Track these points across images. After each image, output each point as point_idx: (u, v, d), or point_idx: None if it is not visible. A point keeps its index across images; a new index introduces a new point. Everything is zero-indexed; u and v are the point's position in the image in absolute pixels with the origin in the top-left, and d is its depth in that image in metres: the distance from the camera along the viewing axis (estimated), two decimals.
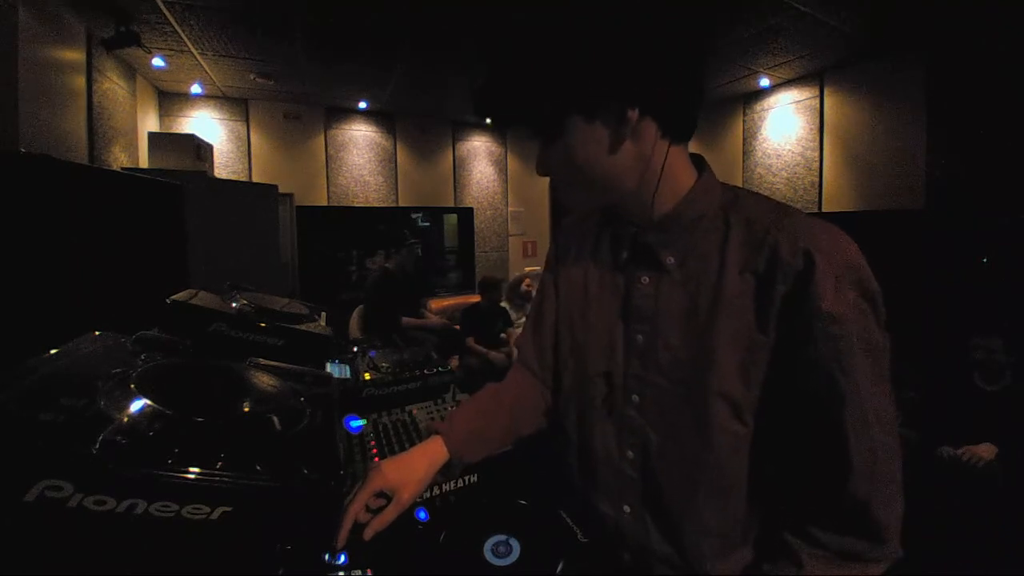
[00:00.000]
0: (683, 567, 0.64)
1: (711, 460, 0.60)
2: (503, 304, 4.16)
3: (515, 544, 0.71)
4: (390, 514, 0.66)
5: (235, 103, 4.58)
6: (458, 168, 5.75)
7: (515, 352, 3.43)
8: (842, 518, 0.55)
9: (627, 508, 0.68)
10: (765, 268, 0.56)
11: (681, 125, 0.60)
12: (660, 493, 0.64)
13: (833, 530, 0.55)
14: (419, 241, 4.35)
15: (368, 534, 0.64)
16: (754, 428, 0.59)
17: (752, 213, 0.60)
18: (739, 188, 0.65)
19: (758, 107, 4.48)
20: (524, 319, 4.12)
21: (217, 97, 4.48)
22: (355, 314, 3.93)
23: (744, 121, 4.63)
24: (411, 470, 0.69)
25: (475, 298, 4.09)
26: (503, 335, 3.89)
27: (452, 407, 1.13)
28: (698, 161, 0.66)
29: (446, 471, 0.73)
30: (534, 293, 4.46)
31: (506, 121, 0.64)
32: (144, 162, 3.63)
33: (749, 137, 4.59)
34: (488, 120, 0.82)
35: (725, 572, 0.63)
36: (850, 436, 0.53)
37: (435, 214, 5.70)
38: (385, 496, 0.67)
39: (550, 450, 0.87)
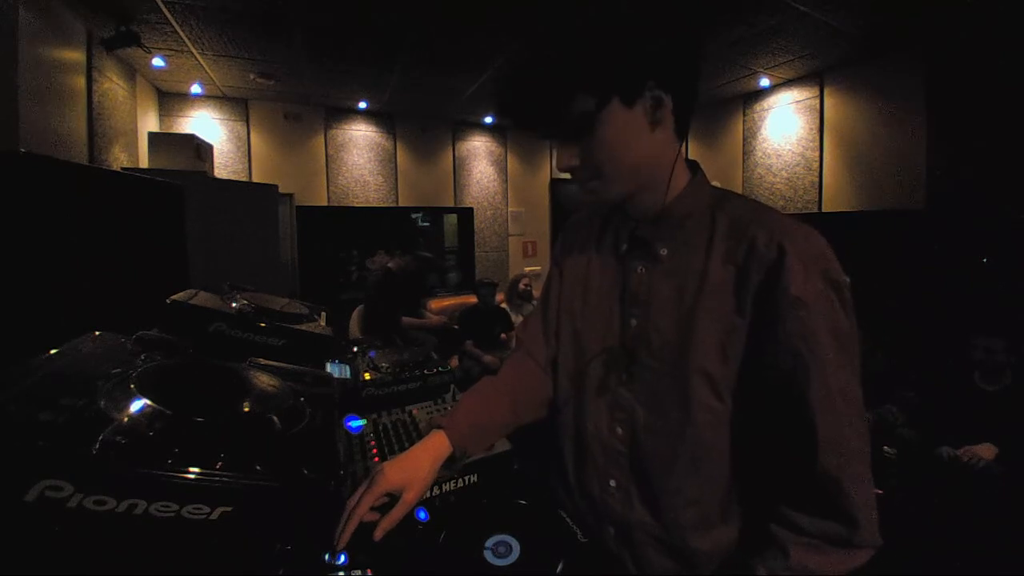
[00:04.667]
0: (663, 536, 0.68)
1: (692, 434, 0.65)
2: (503, 306, 4.16)
3: (515, 544, 0.71)
4: (398, 513, 0.68)
5: (235, 103, 4.58)
6: (458, 168, 5.74)
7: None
8: (816, 496, 0.58)
9: (613, 483, 0.73)
10: (744, 258, 0.62)
11: (687, 123, 0.67)
12: (644, 465, 0.69)
13: (811, 513, 0.58)
14: (433, 257, 4.48)
15: (378, 534, 0.66)
16: (732, 406, 0.64)
17: (736, 211, 0.67)
18: (727, 190, 0.72)
19: (758, 107, 4.48)
20: (522, 318, 4.13)
21: (217, 97, 4.48)
22: (355, 314, 3.93)
23: (744, 121, 4.62)
24: (415, 468, 0.71)
25: (474, 299, 4.10)
26: (503, 336, 3.89)
27: (452, 407, 1.13)
28: (692, 165, 0.73)
29: (450, 465, 0.76)
30: (533, 292, 4.49)
31: (541, 121, 0.65)
32: (144, 162, 3.63)
33: (749, 137, 4.58)
34: (517, 122, 0.76)
35: (705, 548, 0.67)
36: (816, 410, 0.57)
37: (435, 214, 5.70)
38: (390, 495, 0.69)
39: (550, 450, 0.87)
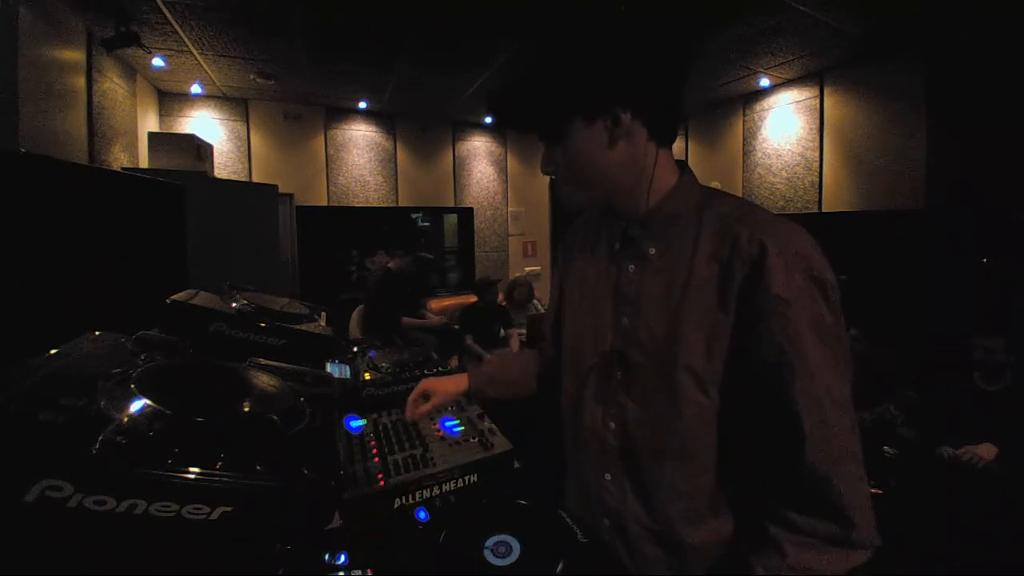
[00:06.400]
0: (655, 528, 0.71)
1: (679, 428, 0.67)
2: (503, 304, 4.17)
3: (515, 544, 0.71)
4: (428, 407, 0.95)
5: (235, 103, 4.58)
6: (458, 168, 5.74)
7: (514, 349, 3.48)
8: (808, 495, 0.59)
9: (608, 476, 0.75)
10: (727, 256, 0.64)
11: (665, 130, 0.70)
12: (636, 459, 0.72)
13: (805, 511, 0.59)
14: (433, 257, 4.54)
15: (417, 414, 0.94)
16: (719, 402, 0.65)
17: (722, 210, 0.68)
18: (716, 190, 0.74)
19: (758, 107, 4.48)
20: (523, 320, 4.15)
21: (217, 97, 4.48)
22: (355, 314, 3.93)
23: (744, 121, 4.62)
24: (443, 385, 0.99)
25: (474, 298, 4.10)
26: (503, 333, 3.90)
27: (452, 407, 1.14)
28: (681, 166, 0.75)
29: (466, 396, 1.01)
30: (534, 292, 4.48)
31: (519, 126, 0.74)
32: (144, 162, 3.63)
33: (749, 137, 4.58)
34: (501, 124, 0.93)
35: (696, 540, 0.68)
36: (801, 406, 0.58)
37: (435, 214, 5.70)
38: (425, 396, 0.96)
39: (550, 451, 0.87)
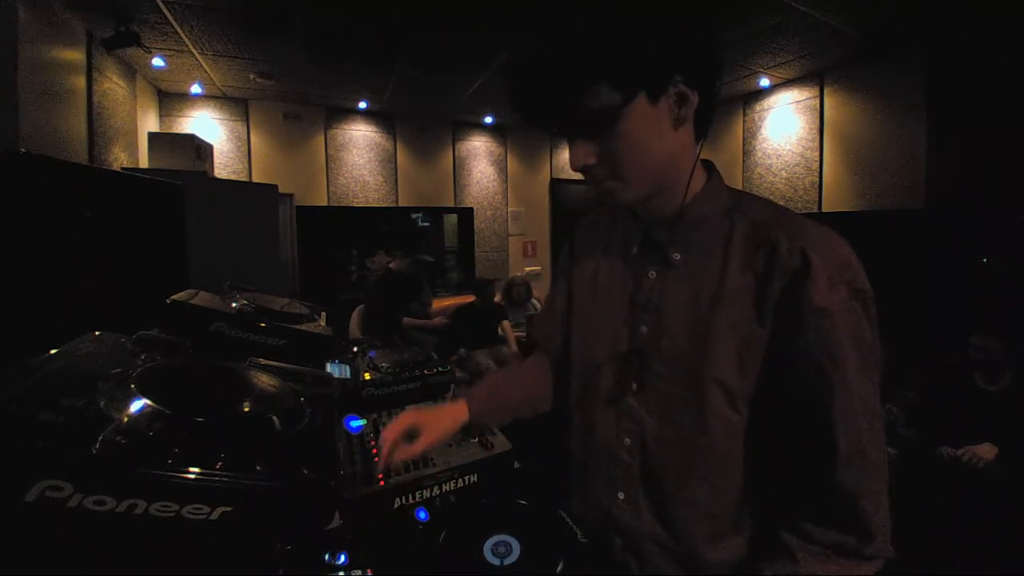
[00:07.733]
0: (674, 547, 0.67)
1: (706, 444, 0.63)
2: (500, 303, 4.18)
3: (515, 544, 0.71)
4: (418, 447, 0.74)
5: (235, 103, 4.58)
6: (458, 168, 5.74)
7: (512, 348, 3.43)
8: (832, 509, 0.57)
9: (620, 494, 0.71)
10: (764, 265, 0.59)
11: (708, 123, 0.64)
12: (654, 476, 0.67)
13: (825, 524, 0.57)
14: (432, 260, 4.57)
15: (398, 457, 0.73)
16: (748, 417, 0.62)
17: (755, 214, 0.63)
18: (744, 192, 0.69)
19: (758, 107, 4.48)
20: (522, 320, 4.16)
21: (217, 97, 4.48)
22: (355, 314, 3.93)
23: (744, 121, 4.62)
24: (434, 419, 0.77)
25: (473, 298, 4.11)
26: (501, 332, 3.91)
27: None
28: (708, 166, 0.70)
29: (467, 431, 0.82)
30: (533, 292, 4.49)
31: (558, 113, 0.60)
32: (144, 162, 3.63)
33: (749, 137, 4.58)
34: (528, 116, 0.60)
35: (716, 558, 0.65)
36: (837, 423, 0.56)
37: (435, 214, 5.70)
38: (411, 434, 0.75)
39: (550, 451, 0.87)
